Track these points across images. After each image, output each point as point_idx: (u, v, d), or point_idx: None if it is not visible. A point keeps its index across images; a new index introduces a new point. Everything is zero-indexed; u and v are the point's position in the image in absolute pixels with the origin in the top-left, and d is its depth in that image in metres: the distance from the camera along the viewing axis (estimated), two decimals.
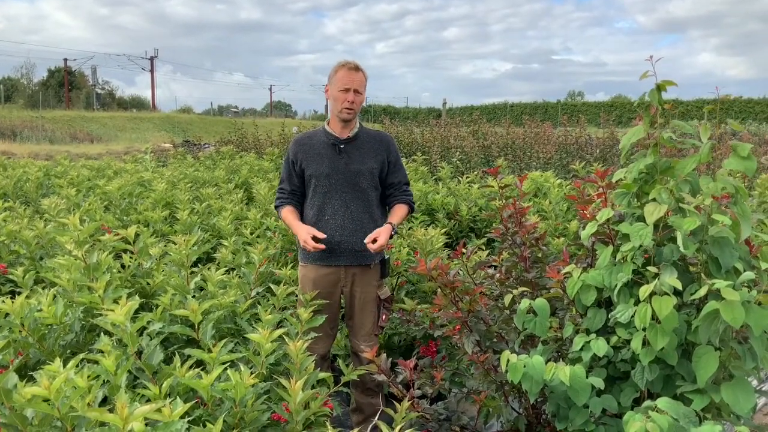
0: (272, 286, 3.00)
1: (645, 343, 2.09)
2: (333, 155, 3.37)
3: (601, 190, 2.45)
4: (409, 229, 5.40)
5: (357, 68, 3.34)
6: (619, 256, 2.24)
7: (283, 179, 3.51)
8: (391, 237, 3.31)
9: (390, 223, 3.32)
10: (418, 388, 2.74)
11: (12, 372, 1.98)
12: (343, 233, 3.29)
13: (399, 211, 3.43)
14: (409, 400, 2.49)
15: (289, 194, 3.45)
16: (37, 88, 53.94)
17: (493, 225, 6.17)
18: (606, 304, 2.34)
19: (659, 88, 2.19)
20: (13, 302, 2.57)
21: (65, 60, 52.09)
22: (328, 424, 1.98)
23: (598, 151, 11.32)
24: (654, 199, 2.16)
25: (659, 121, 2.22)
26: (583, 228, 2.39)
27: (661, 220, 2.13)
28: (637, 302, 2.12)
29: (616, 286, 2.19)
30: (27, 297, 2.63)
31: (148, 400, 2.02)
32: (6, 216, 5.07)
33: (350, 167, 3.36)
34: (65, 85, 50.89)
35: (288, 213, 3.40)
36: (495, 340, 2.77)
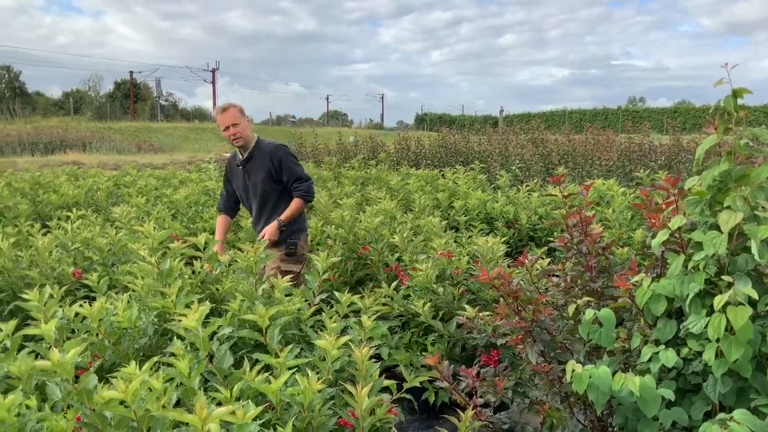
0: (336, 294, 3.05)
1: (718, 354, 2.04)
2: (241, 173, 4.51)
3: (671, 198, 2.40)
4: (468, 238, 5.39)
5: (224, 109, 4.36)
6: (690, 265, 2.19)
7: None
8: (282, 229, 4.30)
9: (278, 219, 4.30)
10: (481, 397, 2.73)
11: (92, 374, 2.07)
12: (263, 226, 4.40)
13: (291, 206, 4.37)
14: (472, 409, 2.49)
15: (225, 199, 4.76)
16: (104, 100, 55.89)
17: (555, 234, 6.09)
18: (677, 314, 2.30)
19: (735, 94, 2.14)
20: (90, 306, 2.68)
21: (131, 72, 53.92)
22: (394, 430, 2.00)
23: (663, 158, 11.02)
24: (728, 207, 2.11)
25: (734, 128, 2.17)
26: (653, 236, 2.35)
27: (735, 228, 2.08)
28: (710, 313, 2.08)
29: (687, 296, 2.15)
30: (104, 302, 2.74)
31: (219, 403, 2.08)
32: (80, 224, 5.29)
33: (250, 180, 4.45)
34: (131, 96, 52.56)
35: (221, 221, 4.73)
36: (559, 350, 2.74)
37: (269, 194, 4.44)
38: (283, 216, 4.31)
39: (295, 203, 4.39)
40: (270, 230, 4.26)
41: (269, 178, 4.39)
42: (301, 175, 4.45)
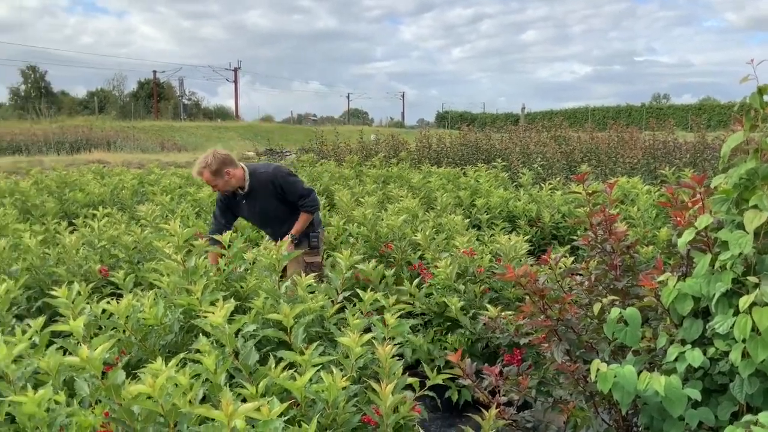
0: (360, 292, 3.06)
1: (744, 354, 2.02)
2: (245, 205, 4.68)
3: (697, 196, 2.37)
4: (491, 236, 5.38)
5: (199, 173, 4.49)
6: (717, 264, 2.17)
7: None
8: (293, 240, 4.44)
9: (290, 234, 4.47)
10: (504, 395, 2.72)
11: (120, 369, 2.10)
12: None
13: (299, 220, 4.63)
14: (495, 407, 2.49)
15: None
16: (128, 100, 56.45)
17: (578, 232, 6.05)
18: (703, 314, 2.27)
19: (761, 91, 2.11)
20: (118, 303, 2.72)
21: (154, 72, 54.29)
22: (418, 427, 2.01)
23: (688, 155, 10.89)
24: (755, 206, 2.08)
25: (760, 125, 2.14)
26: (679, 235, 2.33)
27: (762, 227, 2.05)
28: (737, 313, 2.05)
29: (714, 295, 2.13)
30: (131, 299, 2.78)
31: (244, 399, 2.10)
32: (105, 222, 5.36)
33: (257, 209, 4.66)
34: (154, 96, 52.99)
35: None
36: (584, 349, 2.72)
37: (283, 215, 4.68)
38: (294, 230, 4.58)
39: (303, 217, 4.66)
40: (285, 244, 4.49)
41: (278, 202, 4.66)
42: (303, 191, 4.69)
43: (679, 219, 2.45)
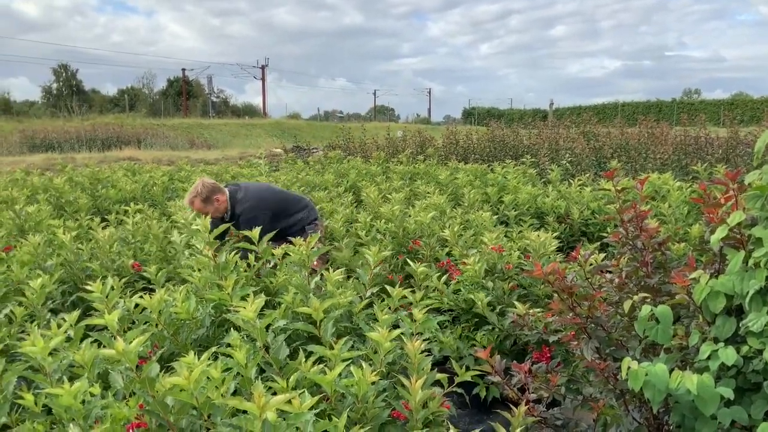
0: (388, 288, 3.07)
1: None
2: (230, 225, 4.59)
3: (730, 192, 2.34)
4: (519, 233, 5.35)
5: (190, 202, 4.78)
6: (751, 261, 2.14)
7: None
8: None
9: None
10: (533, 392, 2.72)
11: (154, 363, 2.14)
12: None
13: None
14: (525, 404, 2.48)
15: None
16: (157, 97, 57.12)
17: (607, 229, 5.98)
18: (736, 311, 2.24)
19: None
20: (150, 298, 2.77)
21: (183, 70, 54.71)
22: (447, 423, 2.01)
23: (720, 151, 10.70)
24: None
25: None
26: (711, 232, 2.30)
27: None
28: None
29: (747, 293, 2.10)
30: (163, 294, 2.82)
31: (274, 393, 2.12)
32: (137, 219, 5.44)
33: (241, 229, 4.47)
34: (183, 94, 53.48)
35: None
36: (614, 347, 2.70)
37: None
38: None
39: None
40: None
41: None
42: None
43: (711, 216, 2.42)
